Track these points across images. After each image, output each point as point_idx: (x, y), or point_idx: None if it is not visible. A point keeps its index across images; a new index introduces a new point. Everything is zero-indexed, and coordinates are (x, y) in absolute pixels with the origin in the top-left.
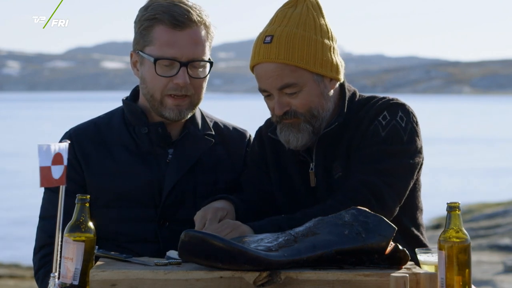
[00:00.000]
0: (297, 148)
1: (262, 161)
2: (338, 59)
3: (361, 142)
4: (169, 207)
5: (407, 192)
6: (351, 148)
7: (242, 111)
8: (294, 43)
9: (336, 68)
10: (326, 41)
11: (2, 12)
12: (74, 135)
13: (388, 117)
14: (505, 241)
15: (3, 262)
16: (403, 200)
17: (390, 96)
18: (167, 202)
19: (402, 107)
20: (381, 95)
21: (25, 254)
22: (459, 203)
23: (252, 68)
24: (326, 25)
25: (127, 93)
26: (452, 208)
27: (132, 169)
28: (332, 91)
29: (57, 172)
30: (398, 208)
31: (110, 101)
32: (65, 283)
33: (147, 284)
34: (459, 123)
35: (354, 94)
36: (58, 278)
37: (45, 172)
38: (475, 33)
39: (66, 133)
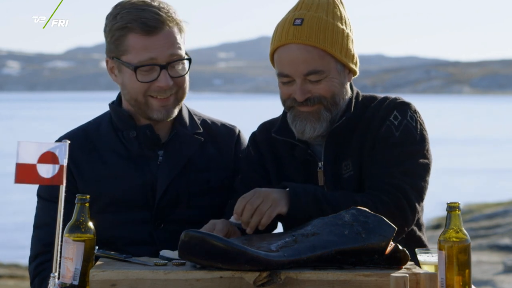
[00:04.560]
0: (310, 139)
1: (260, 165)
2: (356, 53)
3: (376, 144)
4: (163, 208)
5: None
6: (364, 149)
7: (242, 111)
8: (325, 28)
9: (356, 62)
10: (350, 33)
11: (2, 12)
12: None
13: (399, 117)
14: (505, 241)
15: (3, 262)
16: None
17: (392, 95)
18: (161, 204)
19: (409, 106)
20: (382, 95)
21: (25, 254)
22: (459, 203)
23: (274, 52)
24: (348, 18)
25: None
26: (452, 208)
27: (123, 173)
28: (348, 84)
29: (48, 171)
30: None
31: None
32: (65, 283)
33: (147, 284)
34: (459, 124)
35: (358, 93)
36: (58, 278)
37: (22, 169)
38: (475, 33)
39: (56, 141)
